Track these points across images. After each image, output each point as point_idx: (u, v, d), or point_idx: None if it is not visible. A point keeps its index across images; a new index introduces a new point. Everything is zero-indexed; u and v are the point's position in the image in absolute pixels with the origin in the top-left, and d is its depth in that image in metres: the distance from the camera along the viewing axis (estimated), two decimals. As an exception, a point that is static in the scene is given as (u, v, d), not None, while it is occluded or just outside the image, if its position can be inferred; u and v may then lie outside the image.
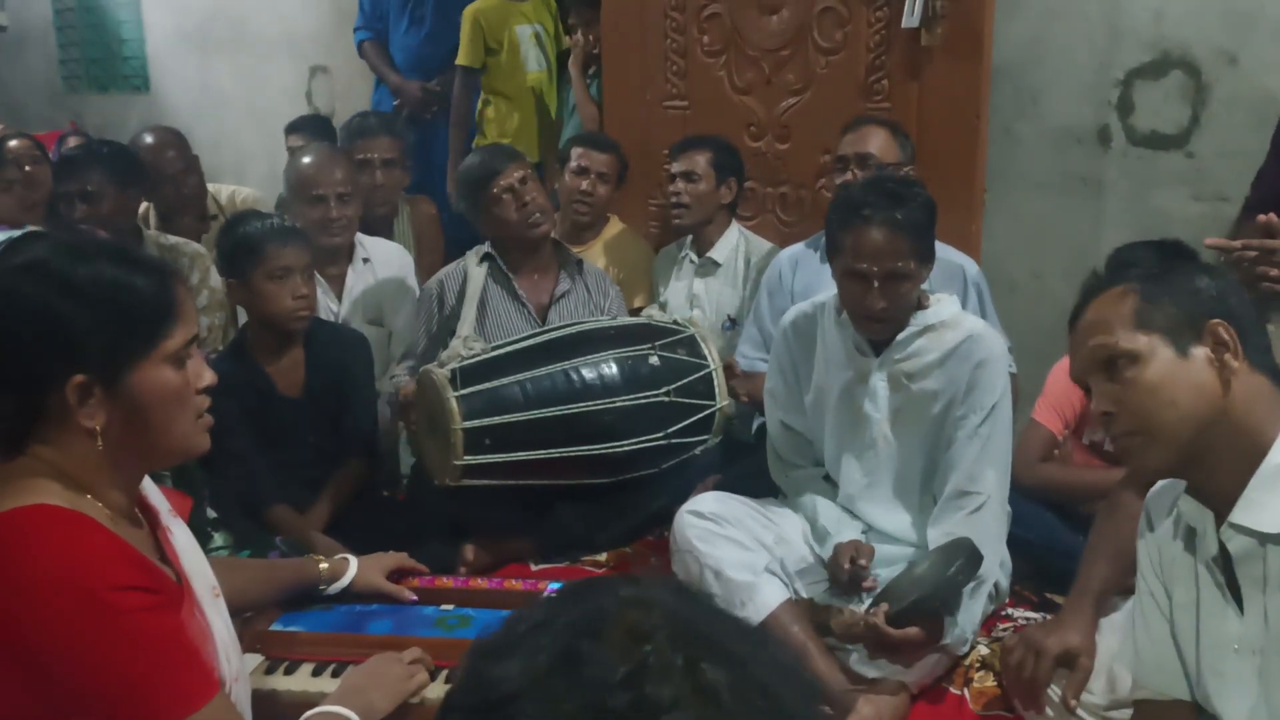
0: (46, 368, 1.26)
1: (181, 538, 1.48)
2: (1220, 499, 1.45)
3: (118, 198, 3.34)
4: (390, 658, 1.67)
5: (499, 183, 2.94)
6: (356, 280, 3.25)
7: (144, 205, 3.74)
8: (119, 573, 1.24)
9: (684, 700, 0.63)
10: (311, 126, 4.42)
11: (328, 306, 3.12)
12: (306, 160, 3.19)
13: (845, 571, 2.22)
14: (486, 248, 3.03)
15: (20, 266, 1.28)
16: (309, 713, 1.50)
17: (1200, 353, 1.44)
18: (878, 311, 2.23)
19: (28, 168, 3.72)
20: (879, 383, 2.32)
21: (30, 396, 1.27)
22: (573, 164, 3.51)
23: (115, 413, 1.29)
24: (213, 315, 3.30)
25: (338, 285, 3.22)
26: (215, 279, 3.32)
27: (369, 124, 3.67)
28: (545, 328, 2.84)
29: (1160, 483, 1.61)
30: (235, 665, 1.45)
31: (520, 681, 0.65)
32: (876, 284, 2.18)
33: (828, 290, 2.60)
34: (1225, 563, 1.47)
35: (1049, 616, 2.38)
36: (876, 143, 2.92)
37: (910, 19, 3.11)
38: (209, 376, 1.39)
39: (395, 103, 4.30)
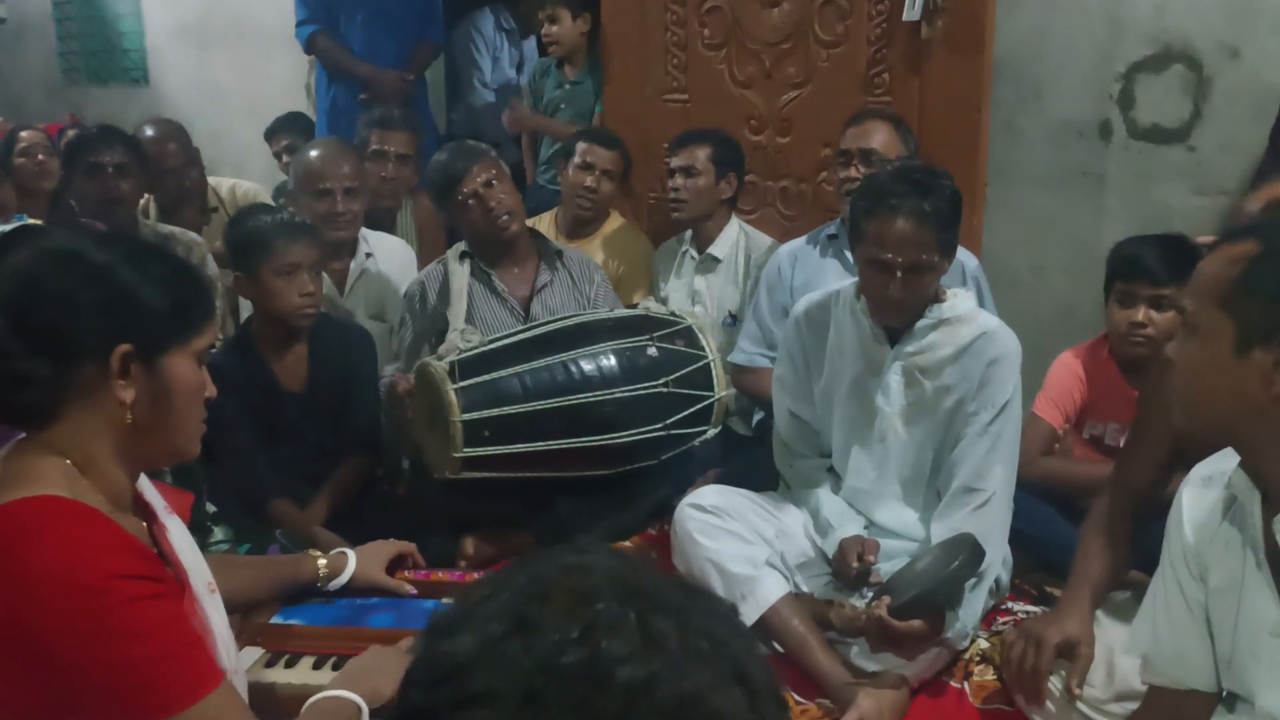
0: (100, 332, 1.30)
1: (177, 534, 1.48)
2: (1271, 483, 1.42)
3: (138, 178, 3.41)
4: (389, 649, 1.67)
5: (463, 188, 2.90)
6: (359, 274, 3.25)
7: (145, 197, 3.74)
8: (121, 562, 1.25)
9: (637, 651, 0.66)
10: (294, 125, 4.40)
11: (329, 300, 3.12)
12: (314, 154, 3.19)
13: (852, 569, 2.22)
14: (464, 245, 3.02)
15: (90, 235, 1.37)
16: (315, 697, 1.50)
17: (1260, 358, 1.34)
18: (897, 301, 2.22)
19: (40, 157, 3.75)
20: (894, 376, 2.32)
21: (68, 364, 1.30)
22: (577, 160, 3.49)
23: (144, 392, 1.33)
24: None
25: (340, 279, 3.22)
26: (212, 268, 3.32)
27: (391, 117, 3.65)
28: (543, 320, 2.83)
29: (1203, 469, 1.57)
30: (232, 660, 1.46)
31: (474, 650, 0.67)
32: (899, 274, 2.17)
33: (826, 285, 2.59)
34: (1271, 548, 1.44)
35: (1049, 610, 2.39)
36: (880, 138, 2.91)
37: (911, 12, 3.10)
38: (212, 389, 1.44)
39: (363, 96, 4.12)
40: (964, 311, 2.29)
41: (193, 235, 3.38)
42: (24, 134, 3.82)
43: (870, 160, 2.86)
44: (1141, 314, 2.48)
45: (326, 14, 4.19)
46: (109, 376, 1.30)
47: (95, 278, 1.31)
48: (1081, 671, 1.85)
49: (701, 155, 3.28)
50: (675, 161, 3.33)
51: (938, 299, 2.30)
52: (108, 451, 1.33)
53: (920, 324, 2.28)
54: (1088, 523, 2.05)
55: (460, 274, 2.95)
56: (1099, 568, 1.96)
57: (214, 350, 2.83)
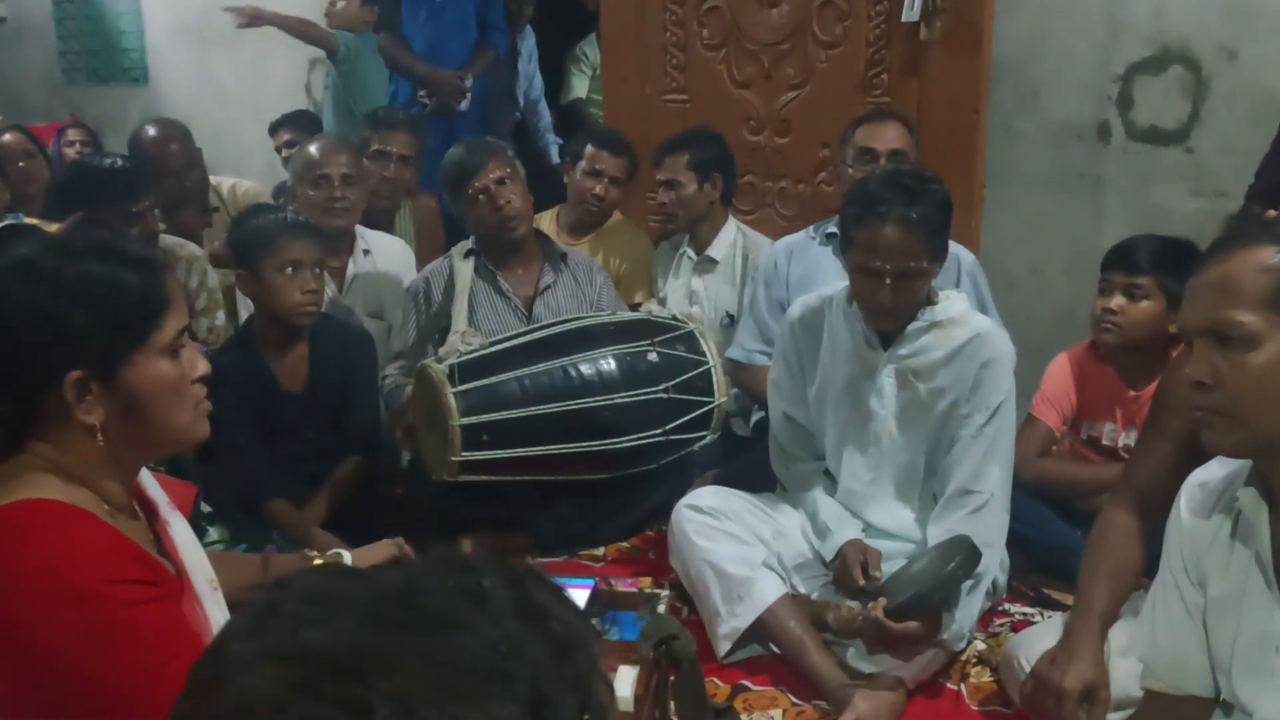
0: (41, 367, 1.26)
1: (180, 531, 1.48)
2: None
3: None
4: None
5: (474, 183, 2.90)
6: (358, 272, 3.25)
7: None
8: (117, 566, 1.24)
9: None
10: (298, 122, 4.41)
11: (327, 297, 3.12)
12: (313, 145, 3.24)
13: (857, 584, 2.22)
14: (470, 243, 3.02)
15: (6, 268, 1.28)
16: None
17: None
18: (888, 307, 2.23)
19: (22, 163, 3.74)
20: (887, 380, 2.32)
21: (28, 397, 1.27)
22: (585, 165, 3.46)
23: (113, 407, 1.29)
24: (212, 316, 3.31)
25: (339, 277, 3.22)
26: (213, 280, 3.32)
27: (394, 118, 3.65)
28: (544, 323, 2.83)
29: (1199, 475, 1.56)
30: None
31: None
32: (889, 281, 2.17)
33: (825, 278, 2.59)
34: (1279, 561, 1.43)
35: (1048, 615, 2.39)
36: (905, 139, 2.89)
37: (910, 13, 3.10)
38: (203, 366, 1.39)
39: (421, 93, 4.12)
40: (957, 314, 2.30)
41: (192, 248, 3.36)
42: (4, 139, 3.79)
43: (898, 162, 2.83)
44: (1115, 301, 2.48)
45: (394, 7, 4.19)
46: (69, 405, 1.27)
47: (22, 316, 1.26)
48: (1100, 717, 1.83)
49: (679, 164, 3.25)
50: (658, 175, 3.31)
51: (930, 301, 2.30)
52: (93, 465, 1.30)
53: (913, 327, 2.28)
54: (1092, 539, 1.98)
55: (465, 272, 2.96)
56: (1105, 596, 1.90)
57: (211, 349, 2.84)
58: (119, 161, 3.22)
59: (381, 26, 4.20)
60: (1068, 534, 2.45)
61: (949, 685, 2.22)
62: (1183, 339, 1.48)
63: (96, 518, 1.28)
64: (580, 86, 4.99)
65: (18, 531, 1.23)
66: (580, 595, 1.98)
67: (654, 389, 2.66)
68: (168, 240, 3.40)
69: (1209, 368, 1.39)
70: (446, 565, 0.66)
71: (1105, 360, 2.61)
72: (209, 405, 1.41)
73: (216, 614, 1.44)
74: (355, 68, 4.14)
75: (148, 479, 1.47)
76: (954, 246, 2.80)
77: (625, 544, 2.86)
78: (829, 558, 2.34)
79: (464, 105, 4.09)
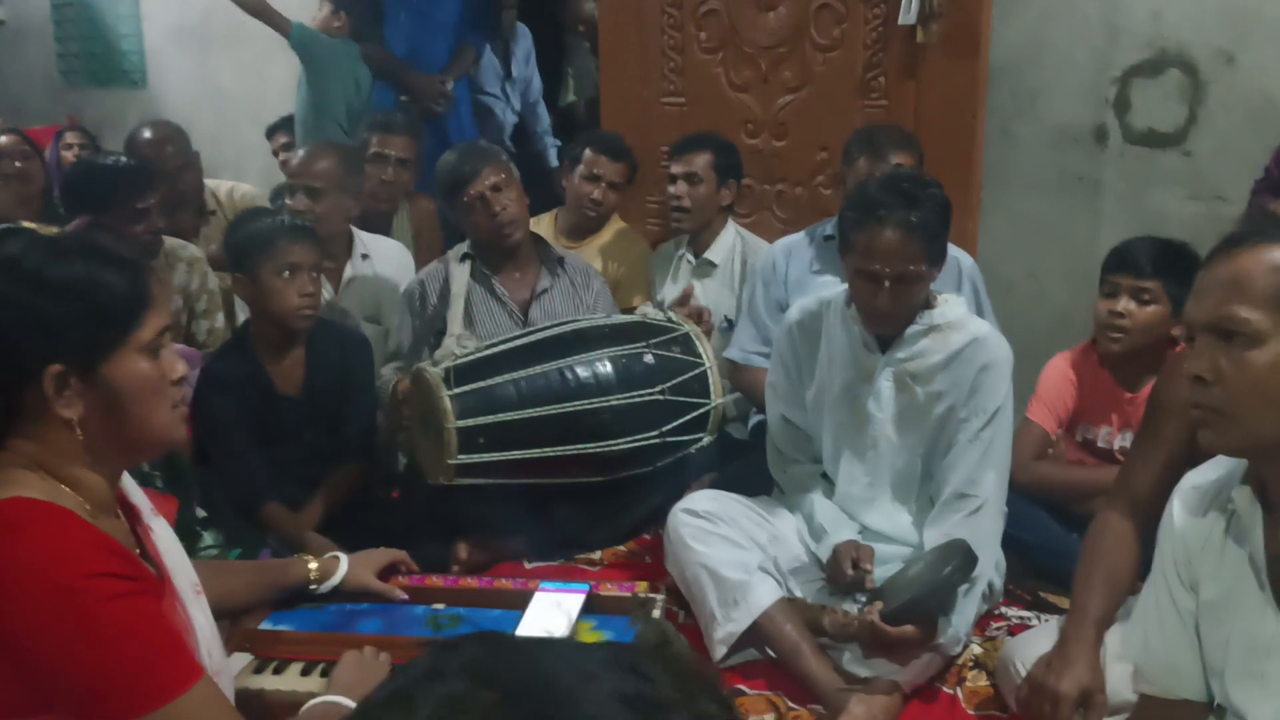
0: (21, 361, 1.28)
1: (163, 535, 1.49)
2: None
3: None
4: (369, 652, 1.69)
5: (469, 190, 2.90)
6: (355, 275, 3.24)
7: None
8: (96, 561, 1.25)
9: None
10: (293, 126, 4.41)
11: (323, 299, 3.10)
12: (300, 154, 3.25)
13: (847, 576, 2.22)
14: (466, 247, 3.01)
15: None
16: (311, 702, 1.52)
17: None
18: (886, 311, 2.22)
19: (18, 164, 3.74)
20: (884, 383, 2.32)
21: (9, 392, 1.29)
22: (584, 170, 3.46)
23: (92, 403, 1.31)
24: (212, 319, 3.30)
25: (335, 280, 3.21)
26: (213, 282, 3.31)
27: (394, 121, 3.64)
28: (540, 325, 2.82)
29: (1193, 477, 1.56)
30: (217, 661, 1.46)
31: None
32: (887, 284, 2.17)
33: (819, 280, 2.57)
34: (1274, 566, 1.42)
35: (1044, 619, 2.38)
36: (910, 160, 2.87)
37: (907, 16, 3.10)
38: (181, 368, 1.41)
39: (403, 98, 4.13)
40: (955, 318, 2.29)
41: (194, 250, 3.35)
42: (0, 141, 3.79)
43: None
44: (1121, 304, 2.48)
45: (372, 16, 4.18)
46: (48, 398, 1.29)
47: (4, 311, 1.28)
48: None
49: (702, 162, 3.26)
50: (676, 168, 3.30)
51: (928, 305, 2.30)
52: (73, 461, 1.32)
53: (911, 330, 2.28)
54: (1088, 544, 1.97)
55: (461, 275, 2.95)
56: (1101, 600, 1.89)
57: (209, 351, 2.84)
58: (123, 159, 3.22)
59: (355, 36, 4.18)
60: (1064, 538, 2.45)
61: (945, 689, 2.22)
62: (1186, 333, 1.46)
63: (76, 515, 1.29)
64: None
65: (0, 531, 1.24)
66: (576, 600, 1.97)
67: (650, 391, 2.65)
68: (171, 242, 3.39)
69: (1210, 364, 1.38)
70: (620, 664, 0.62)
71: (1102, 363, 2.61)
72: (185, 410, 1.42)
73: (200, 618, 1.45)
74: (322, 71, 4.13)
75: (131, 486, 1.48)
76: (954, 250, 2.80)
77: (621, 548, 2.85)
78: (825, 560, 2.33)
79: (443, 108, 4.08)
